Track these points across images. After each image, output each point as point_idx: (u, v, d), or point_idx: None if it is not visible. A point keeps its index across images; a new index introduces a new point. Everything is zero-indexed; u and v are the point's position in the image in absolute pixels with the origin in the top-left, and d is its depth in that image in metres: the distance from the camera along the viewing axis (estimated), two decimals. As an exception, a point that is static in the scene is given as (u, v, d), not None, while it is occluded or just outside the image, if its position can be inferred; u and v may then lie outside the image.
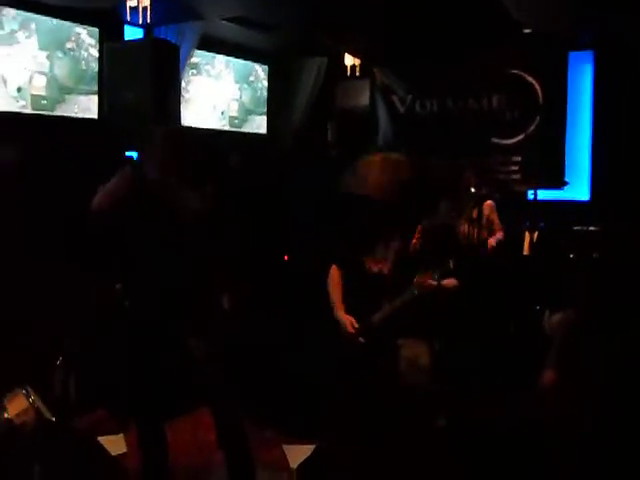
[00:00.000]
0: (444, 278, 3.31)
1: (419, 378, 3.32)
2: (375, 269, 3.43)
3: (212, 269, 3.18)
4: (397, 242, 3.45)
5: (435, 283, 3.23)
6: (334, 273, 3.60)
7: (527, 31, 5.99)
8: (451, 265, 3.23)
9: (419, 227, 3.45)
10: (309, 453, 3.78)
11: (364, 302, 3.41)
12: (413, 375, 3.30)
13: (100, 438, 4.06)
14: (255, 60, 7.17)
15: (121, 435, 4.22)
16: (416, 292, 3.24)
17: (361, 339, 3.31)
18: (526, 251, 5.42)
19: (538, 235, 5.50)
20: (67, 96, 5.15)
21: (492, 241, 5.46)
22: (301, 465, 3.78)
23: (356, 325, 3.35)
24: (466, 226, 5.24)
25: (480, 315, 4.83)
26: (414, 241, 3.43)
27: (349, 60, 7.29)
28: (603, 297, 2.70)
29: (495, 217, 5.59)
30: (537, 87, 6.58)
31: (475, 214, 5.10)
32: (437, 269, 3.25)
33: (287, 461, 3.91)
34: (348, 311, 3.43)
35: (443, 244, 3.45)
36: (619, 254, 2.85)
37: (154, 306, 3.13)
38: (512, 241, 5.50)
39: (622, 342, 2.56)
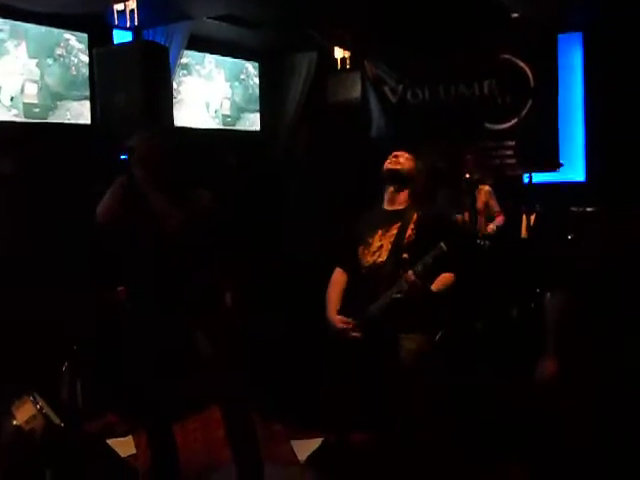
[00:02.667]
0: (435, 263, 3.28)
1: (422, 367, 3.30)
2: (370, 260, 3.42)
3: (213, 267, 3.19)
4: (393, 232, 3.42)
5: (414, 279, 3.15)
6: (336, 275, 3.57)
7: (515, 15, 5.99)
8: (443, 247, 3.21)
9: (414, 216, 3.42)
10: (317, 446, 3.81)
11: (362, 296, 3.37)
12: (416, 364, 3.28)
13: (109, 440, 4.08)
14: (245, 58, 7.17)
15: (130, 437, 4.25)
16: (405, 287, 3.20)
17: (355, 334, 3.27)
18: (524, 234, 5.44)
19: (535, 218, 5.53)
20: (59, 103, 5.15)
21: (492, 226, 5.48)
22: (309, 458, 3.81)
23: (347, 320, 3.32)
24: (464, 212, 5.26)
25: (483, 299, 4.85)
26: (409, 231, 3.40)
27: (339, 53, 7.28)
28: (588, 278, 2.68)
29: (493, 202, 5.62)
30: (528, 71, 6.59)
31: (472, 200, 5.12)
32: (424, 259, 3.19)
33: (296, 455, 3.95)
34: (348, 310, 3.39)
35: (439, 232, 3.40)
36: (601, 237, 2.81)
37: (155, 306, 3.15)
38: (510, 225, 5.52)
39: (615, 325, 2.55)
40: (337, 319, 3.35)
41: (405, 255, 3.31)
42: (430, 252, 3.19)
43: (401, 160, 3.45)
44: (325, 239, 3.92)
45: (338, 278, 3.57)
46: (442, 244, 3.16)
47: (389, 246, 3.38)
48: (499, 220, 5.55)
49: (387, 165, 3.46)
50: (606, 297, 2.58)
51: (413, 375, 3.23)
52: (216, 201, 3.27)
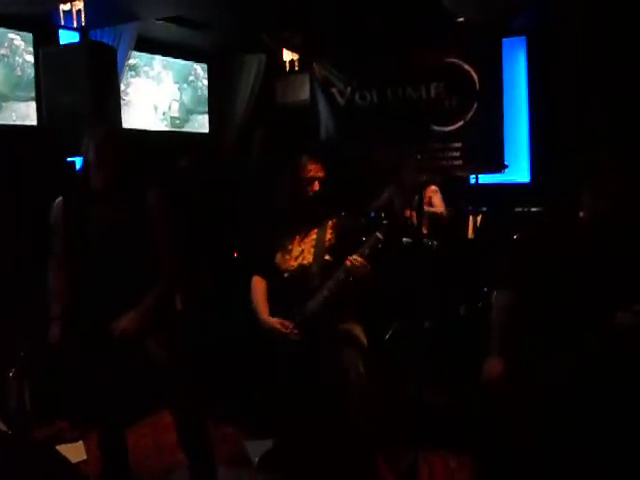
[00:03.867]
0: (371, 251, 3.30)
1: (359, 358, 3.35)
2: (294, 264, 3.44)
3: (163, 269, 3.18)
4: (312, 237, 3.47)
5: (363, 261, 3.21)
6: (256, 282, 3.58)
7: (461, 20, 6.10)
8: (379, 236, 3.27)
9: (330, 222, 3.49)
10: (269, 446, 3.82)
11: (292, 299, 3.39)
12: (353, 356, 3.34)
13: (59, 447, 4.02)
14: (194, 59, 7.15)
15: (80, 442, 4.20)
16: (346, 274, 3.25)
17: (295, 332, 3.30)
18: (470, 234, 5.54)
19: (481, 218, 5.63)
20: (4, 104, 5.06)
21: (429, 209, 5.52)
22: (262, 459, 3.82)
23: (286, 323, 3.33)
24: (410, 211, 5.33)
25: (430, 298, 4.92)
26: (328, 235, 3.47)
27: (288, 55, 7.31)
28: (531, 277, 2.74)
29: (438, 200, 5.70)
30: (473, 74, 6.70)
31: (419, 200, 5.19)
32: (361, 248, 3.25)
33: (249, 456, 3.95)
34: (277, 314, 3.41)
35: (357, 233, 3.51)
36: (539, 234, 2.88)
37: (103, 308, 3.13)
38: (457, 225, 5.62)
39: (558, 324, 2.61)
40: (274, 321, 3.37)
41: (328, 257, 3.39)
42: (365, 243, 3.26)
43: (315, 186, 3.46)
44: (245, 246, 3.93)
45: (259, 284, 3.58)
46: (377, 233, 3.24)
47: (312, 249, 3.44)
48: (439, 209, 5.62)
49: (298, 187, 3.46)
50: (548, 295, 2.65)
51: (353, 363, 3.29)
52: (166, 201, 3.26)
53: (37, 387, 4.47)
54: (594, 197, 2.61)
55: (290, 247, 3.48)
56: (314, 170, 3.47)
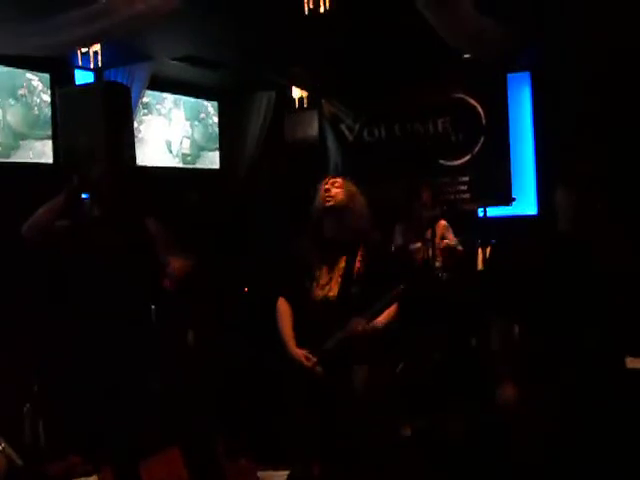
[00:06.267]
0: (389, 306, 3.29)
1: (378, 396, 3.34)
2: (320, 294, 3.39)
3: (175, 305, 3.22)
4: (341, 265, 3.40)
5: (362, 329, 3.18)
6: (281, 306, 3.52)
7: (467, 56, 6.22)
8: (401, 289, 3.26)
9: (360, 249, 3.46)
10: (284, 478, 3.83)
11: (315, 330, 3.35)
12: (372, 394, 3.32)
13: (74, 480, 4.05)
14: (205, 97, 7.27)
15: (95, 477, 4.21)
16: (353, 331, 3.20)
17: (318, 369, 3.25)
18: (480, 266, 5.58)
19: (490, 250, 5.67)
20: (22, 142, 5.17)
21: (445, 242, 5.56)
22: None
23: (311, 357, 3.28)
24: (421, 247, 5.38)
25: (441, 333, 4.95)
26: (357, 264, 3.43)
27: (297, 92, 7.44)
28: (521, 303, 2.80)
29: (451, 235, 5.76)
30: (480, 109, 6.82)
31: (429, 234, 5.24)
32: (374, 305, 3.21)
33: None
34: (300, 343, 3.37)
35: (388, 264, 3.47)
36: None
37: (109, 345, 3.15)
38: (466, 258, 5.65)
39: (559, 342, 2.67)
40: (300, 354, 3.31)
41: (354, 289, 3.37)
42: (387, 295, 3.24)
43: (333, 192, 3.40)
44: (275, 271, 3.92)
45: (285, 309, 3.50)
46: (401, 286, 3.22)
47: (339, 279, 3.37)
48: (452, 243, 5.66)
49: (320, 203, 3.43)
50: (540, 320, 2.70)
51: (366, 406, 3.28)
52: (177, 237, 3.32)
53: (51, 421, 4.51)
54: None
55: (318, 274, 3.41)
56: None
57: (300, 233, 3.69)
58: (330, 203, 3.38)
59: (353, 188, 3.48)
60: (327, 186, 3.44)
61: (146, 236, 3.21)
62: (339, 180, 3.46)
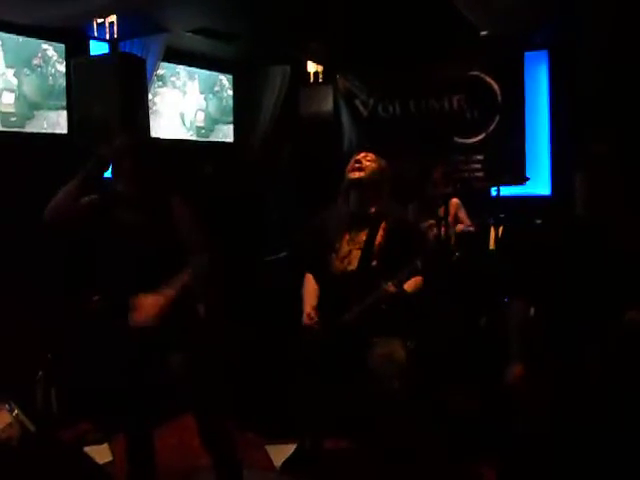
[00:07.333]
0: (409, 279, 3.34)
1: (395, 372, 3.35)
2: (340, 267, 3.44)
3: (187, 279, 3.22)
4: (361, 238, 3.45)
5: (395, 290, 3.23)
6: (309, 284, 3.60)
7: (484, 33, 6.16)
8: (419, 265, 3.26)
9: (383, 221, 3.46)
10: (292, 451, 3.87)
11: (334, 302, 3.41)
12: (388, 370, 3.33)
13: (86, 448, 4.11)
14: (219, 70, 7.24)
15: (106, 444, 4.27)
16: (384, 296, 3.25)
17: (316, 325, 3.32)
18: (492, 246, 5.57)
19: (503, 230, 5.65)
20: (36, 112, 5.18)
21: (460, 227, 5.59)
22: (285, 463, 3.87)
23: (312, 316, 3.36)
24: (434, 225, 5.37)
25: (452, 310, 4.95)
26: (378, 238, 3.43)
27: (312, 67, 7.41)
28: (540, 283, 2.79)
29: (463, 214, 5.75)
30: (496, 87, 6.76)
31: (442, 212, 5.23)
32: (400, 274, 3.26)
33: (271, 460, 4.01)
34: (322, 314, 3.42)
35: (409, 240, 3.47)
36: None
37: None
38: (478, 237, 5.65)
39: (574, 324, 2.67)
40: (306, 314, 3.39)
41: (375, 262, 3.38)
42: (405, 269, 3.26)
43: (364, 165, 3.46)
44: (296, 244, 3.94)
45: (309, 281, 3.59)
46: (418, 262, 3.24)
47: (358, 253, 3.42)
48: (466, 224, 5.67)
49: (349, 175, 3.48)
50: (553, 297, 2.71)
51: (385, 379, 3.31)
52: (192, 209, 3.31)
53: (63, 389, 4.57)
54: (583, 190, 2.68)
55: (338, 246, 3.44)
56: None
57: (317, 206, 3.71)
58: (360, 174, 3.42)
59: (384, 163, 3.54)
60: (359, 157, 3.48)
61: (173, 214, 3.19)
62: (371, 155, 3.50)
